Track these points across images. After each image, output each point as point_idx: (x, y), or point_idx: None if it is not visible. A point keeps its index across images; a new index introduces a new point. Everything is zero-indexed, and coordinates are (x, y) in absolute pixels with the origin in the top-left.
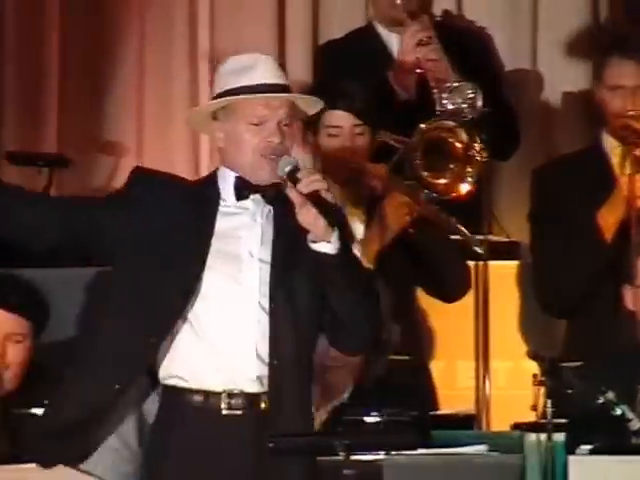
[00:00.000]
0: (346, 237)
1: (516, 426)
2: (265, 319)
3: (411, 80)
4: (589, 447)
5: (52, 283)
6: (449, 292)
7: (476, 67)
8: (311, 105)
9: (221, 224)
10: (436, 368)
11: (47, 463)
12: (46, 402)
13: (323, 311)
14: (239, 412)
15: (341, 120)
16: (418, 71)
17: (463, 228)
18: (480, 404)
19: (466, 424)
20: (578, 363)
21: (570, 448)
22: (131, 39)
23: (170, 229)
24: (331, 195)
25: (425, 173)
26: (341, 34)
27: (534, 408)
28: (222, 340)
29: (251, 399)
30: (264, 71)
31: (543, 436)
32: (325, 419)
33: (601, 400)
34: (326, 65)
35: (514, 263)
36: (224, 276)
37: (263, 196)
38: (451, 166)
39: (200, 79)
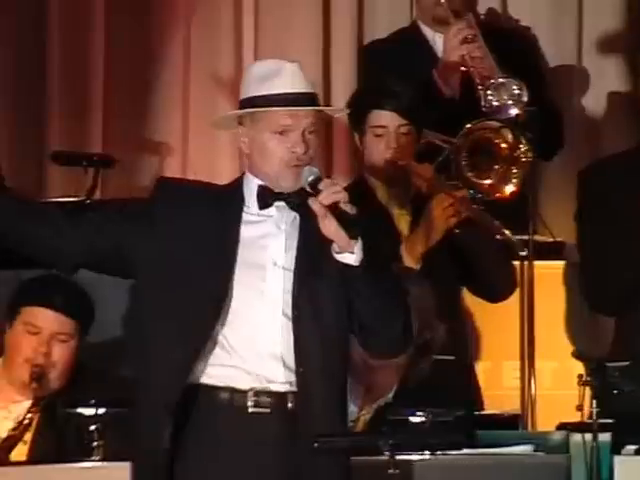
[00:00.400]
0: (369, 247)
1: (561, 426)
2: (290, 327)
3: (456, 78)
4: (635, 447)
5: (96, 283)
6: (495, 292)
7: (520, 67)
8: (333, 112)
9: (245, 233)
10: (482, 368)
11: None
12: (93, 401)
13: (351, 316)
14: (266, 410)
15: (387, 120)
16: (463, 69)
17: (506, 230)
18: (525, 404)
19: (512, 424)
20: (624, 363)
21: (616, 448)
22: (176, 40)
23: (196, 241)
24: (351, 206)
25: (470, 173)
26: (386, 34)
27: (580, 408)
28: (248, 350)
29: (278, 397)
30: (289, 79)
31: (589, 436)
32: (369, 419)
33: None
34: (371, 65)
35: (559, 263)
36: (248, 286)
37: (287, 203)
38: (496, 167)
39: None
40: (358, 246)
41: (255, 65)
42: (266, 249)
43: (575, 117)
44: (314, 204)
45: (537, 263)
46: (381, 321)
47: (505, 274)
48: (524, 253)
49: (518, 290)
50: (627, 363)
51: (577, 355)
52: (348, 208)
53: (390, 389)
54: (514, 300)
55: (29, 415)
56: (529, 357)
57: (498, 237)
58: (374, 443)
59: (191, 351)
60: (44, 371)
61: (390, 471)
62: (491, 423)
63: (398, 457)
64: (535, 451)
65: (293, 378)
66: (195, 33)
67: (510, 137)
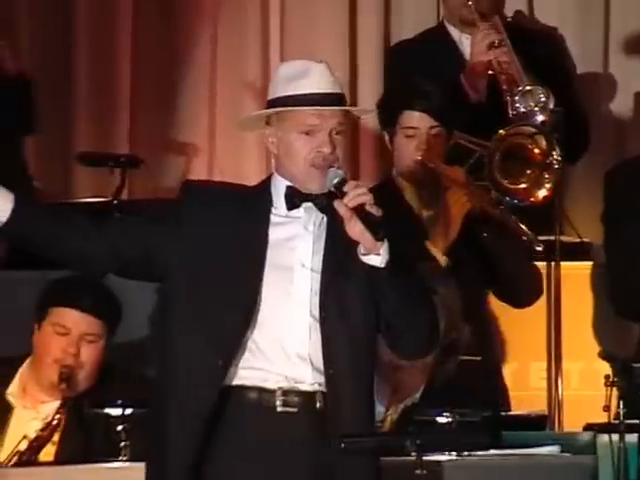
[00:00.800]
0: (395, 249)
1: (588, 427)
2: (317, 328)
3: (482, 83)
4: None
5: (123, 284)
6: (520, 298)
7: (547, 69)
8: (360, 113)
9: (273, 234)
10: (508, 369)
11: None
12: (120, 402)
13: (378, 316)
14: (294, 410)
15: (418, 121)
16: (490, 73)
17: (524, 226)
18: (552, 405)
19: (538, 425)
20: None
21: None
22: (203, 41)
23: (224, 243)
24: (376, 208)
25: (503, 179)
26: (412, 34)
27: (606, 409)
28: (277, 352)
29: (306, 397)
30: (317, 79)
31: (615, 437)
32: (396, 419)
33: None
34: (398, 65)
35: (586, 264)
36: (276, 288)
37: (315, 204)
38: (529, 172)
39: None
40: (384, 248)
41: (283, 66)
42: (294, 251)
43: (602, 118)
44: (339, 206)
45: (564, 264)
46: (407, 321)
47: (530, 280)
48: (540, 248)
49: (545, 291)
50: None
51: (604, 356)
52: (374, 210)
53: (417, 389)
54: (541, 301)
55: (57, 416)
56: (556, 358)
57: (517, 234)
58: (401, 443)
59: (224, 356)
60: (73, 372)
61: (417, 472)
62: (518, 424)
63: (425, 457)
64: (562, 452)
65: (321, 379)
66: (221, 33)
67: (544, 143)
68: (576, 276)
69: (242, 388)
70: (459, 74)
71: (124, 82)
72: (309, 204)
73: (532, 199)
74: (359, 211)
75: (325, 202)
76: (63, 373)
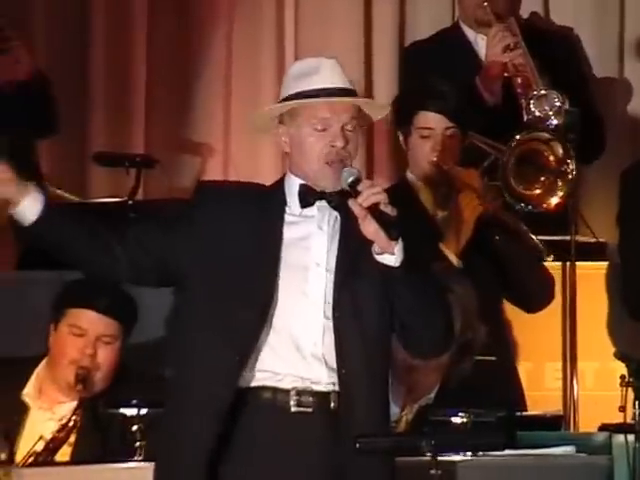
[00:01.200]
0: (410, 248)
1: (604, 427)
2: (331, 328)
3: (498, 85)
4: None
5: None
6: (531, 303)
7: (563, 70)
8: (377, 110)
9: (288, 233)
10: (524, 369)
11: None
12: (135, 402)
13: (392, 316)
14: (309, 410)
15: (433, 122)
16: (505, 75)
17: (534, 237)
18: (568, 405)
19: (554, 425)
20: None
21: None
22: (218, 40)
23: (239, 243)
24: (391, 207)
25: (518, 184)
26: (427, 34)
27: (622, 409)
28: (291, 352)
29: (321, 397)
30: (327, 75)
31: (631, 437)
32: (411, 419)
33: None
34: (413, 65)
35: (602, 264)
36: (291, 287)
37: (329, 203)
38: (542, 178)
39: None
40: (398, 247)
41: (294, 65)
42: (309, 250)
43: (617, 117)
44: (354, 205)
45: (579, 264)
46: (422, 320)
47: (541, 284)
48: (550, 259)
49: (560, 291)
50: None
51: (619, 356)
52: (388, 210)
53: (432, 389)
54: (556, 301)
55: (74, 417)
56: (571, 358)
57: (527, 239)
58: (416, 444)
59: (240, 356)
60: (89, 373)
61: (432, 472)
62: (533, 424)
63: (440, 458)
64: (577, 452)
65: (336, 379)
66: (236, 31)
67: (560, 151)
68: (591, 276)
69: (257, 389)
70: (474, 75)
71: (139, 82)
72: (323, 202)
73: (545, 205)
74: (373, 210)
75: (338, 201)
76: (79, 374)
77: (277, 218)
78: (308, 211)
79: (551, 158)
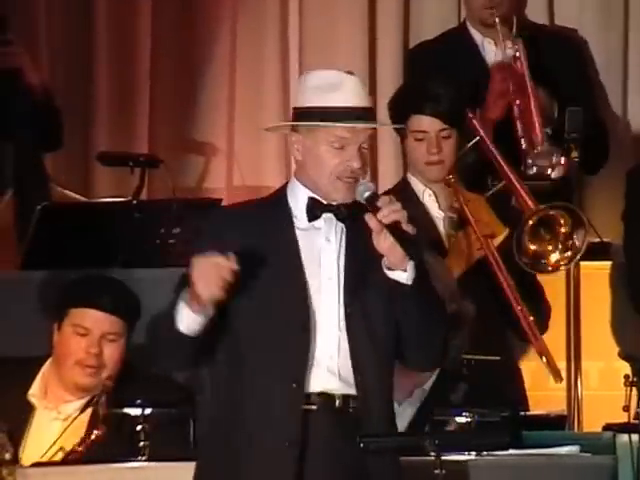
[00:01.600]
0: (422, 267)
1: (608, 427)
2: (346, 339)
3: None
4: None
5: (142, 282)
6: (521, 333)
7: (568, 75)
8: (394, 126)
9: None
10: (528, 369)
11: None
12: (139, 402)
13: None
14: (313, 407)
15: (427, 125)
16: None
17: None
18: (572, 405)
19: (558, 425)
20: None
21: None
22: (222, 41)
23: (262, 265)
24: (412, 227)
25: (529, 241)
26: (432, 32)
27: (626, 409)
28: (309, 367)
29: (325, 397)
30: (350, 93)
31: (635, 437)
32: (412, 415)
33: None
34: (417, 65)
35: (606, 263)
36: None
37: (335, 215)
38: (550, 247)
39: (291, 81)
40: (411, 265)
41: (312, 74)
42: (319, 264)
43: (622, 117)
44: (371, 220)
45: (583, 263)
46: (424, 338)
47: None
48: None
49: (564, 290)
50: None
51: (623, 355)
52: (409, 229)
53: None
54: (560, 300)
55: (96, 432)
56: (575, 358)
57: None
58: (420, 443)
59: (300, 380)
60: (111, 386)
61: (436, 471)
62: (537, 424)
63: (444, 457)
64: (581, 452)
65: (346, 389)
66: (240, 29)
67: (570, 222)
68: (595, 276)
69: None
70: (478, 78)
71: (143, 82)
72: (329, 215)
73: (544, 261)
74: (393, 227)
75: (345, 213)
76: (106, 386)
77: (290, 231)
78: (314, 223)
79: (562, 230)
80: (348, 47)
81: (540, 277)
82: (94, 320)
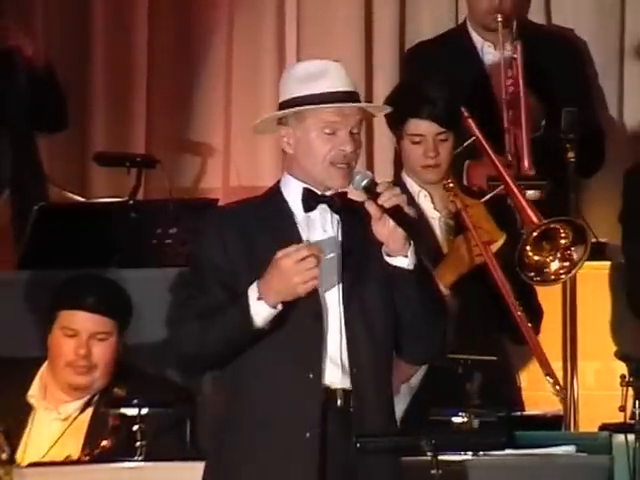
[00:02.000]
0: (421, 252)
1: (604, 427)
2: (343, 330)
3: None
4: None
5: (137, 282)
6: (515, 336)
7: (565, 76)
8: (380, 110)
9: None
10: (524, 369)
11: None
12: (135, 401)
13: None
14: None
15: (424, 129)
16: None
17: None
18: (568, 405)
19: (554, 425)
20: None
21: None
22: (219, 42)
23: (268, 256)
24: (413, 210)
25: (531, 252)
26: (429, 34)
27: (622, 409)
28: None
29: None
30: (334, 78)
31: (631, 437)
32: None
33: None
34: (416, 67)
35: (602, 263)
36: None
37: (330, 206)
38: (550, 258)
39: None
40: (411, 250)
41: (296, 66)
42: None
43: (619, 118)
44: (371, 206)
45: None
46: (424, 325)
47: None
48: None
49: (561, 291)
50: None
51: (620, 356)
52: (411, 212)
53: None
54: (557, 301)
55: (104, 442)
56: (572, 358)
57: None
58: (416, 443)
59: (312, 368)
60: (90, 371)
61: (433, 471)
62: (534, 424)
63: (440, 457)
64: (577, 452)
65: (347, 380)
66: (237, 31)
67: (571, 236)
68: (592, 276)
69: None
70: (476, 81)
71: (140, 82)
72: (324, 206)
73: (547, 270)
74: (393, 212)
75: (340, 203)
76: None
77: (290, 223)
78: (310, 214)
79: (562, 241)
80: (345, 47)
81: None
82: (81, 321)
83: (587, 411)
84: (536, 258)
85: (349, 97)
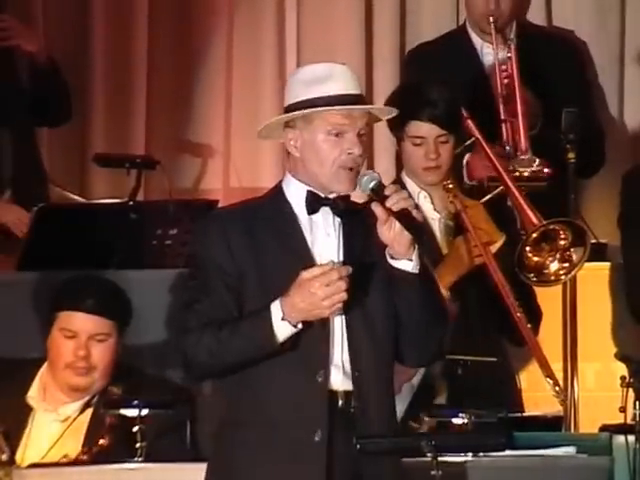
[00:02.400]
0: (424, 256)
1: (604, 428)
2: (344, 332)
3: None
4: None
5: (138, 283)
6: (514, 339)
7: (565, 77)
8: (386, 113)
9: None
10: (524, 370)
11: None
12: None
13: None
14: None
15: (425, 131)
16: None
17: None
18: (568, 406)
19: (554, 426)
20: None
21: None
22: (219, 42)
23: (274, 260)
24: (420, 214)
25: (530, 253)
26: (429, 35)
27: (622, 410)
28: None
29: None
30: (342, 81)
31: (631, 438)
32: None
33: None
34: (415, 67)
35: (602, 264)
36: None
37: (332, 209)
38: (550, 259)
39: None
40: (415, 253)
41: (301, 70)
42: (322, 258)
43: (619, 118)
44: (377, 209)
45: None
46: (425, 329)
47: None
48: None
49: (561, 292)
50: None
51: (620, 357)
52: (419, 216)
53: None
54: (557, 302)
55: (101, 441)
56: (572, 359)
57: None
58: (416, 444)
59: (321, 370)
60: (89, 372)
61: (433, 472)
62: (534, 425)
63: (440, 458)
64: (578, 453)
65: (349, 383)
66: (237, 31)
67: (571, 237)
68: (592, 277)
69: None
70: (475, 83)
71: (140, 83)
72: (326, 208)
73: (546, 271)
74: (401, 215)
75: (343, 206)
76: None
77: (294, 224)
78: (313, 217)
79: (561, 242)
80: (345, 48)
81: None
82: (80, 323)
83: (587, 412)
84: (536, 259)
85: (357, 100)
